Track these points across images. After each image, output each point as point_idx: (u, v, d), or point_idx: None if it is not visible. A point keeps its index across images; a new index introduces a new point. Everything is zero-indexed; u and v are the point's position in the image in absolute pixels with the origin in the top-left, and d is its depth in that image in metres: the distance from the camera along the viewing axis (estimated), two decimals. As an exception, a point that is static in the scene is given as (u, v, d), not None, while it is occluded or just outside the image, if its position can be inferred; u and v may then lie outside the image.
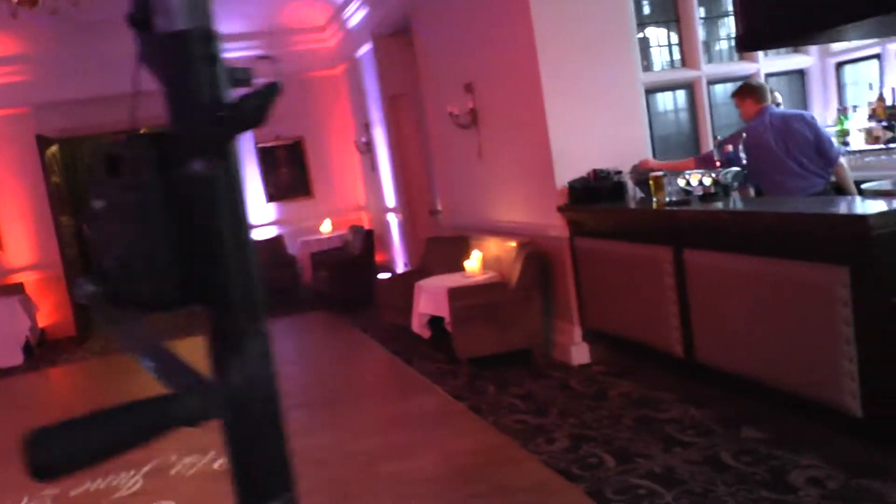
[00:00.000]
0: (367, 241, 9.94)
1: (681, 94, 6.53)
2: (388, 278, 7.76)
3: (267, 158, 11.64)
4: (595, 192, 5.52)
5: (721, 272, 4.20)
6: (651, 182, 5.01)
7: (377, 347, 7.42)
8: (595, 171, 5.61)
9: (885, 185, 4.00)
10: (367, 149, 10.70)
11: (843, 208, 3.75)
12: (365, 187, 11.55)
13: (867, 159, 6.04)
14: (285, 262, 11.09)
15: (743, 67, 6.89)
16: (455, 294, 6.18)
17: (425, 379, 6.09)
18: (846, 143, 6.40)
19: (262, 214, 11.67)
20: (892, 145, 6.02)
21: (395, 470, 4.49)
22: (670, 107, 6.57)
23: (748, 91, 5.45)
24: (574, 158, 5.68)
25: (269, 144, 11.59)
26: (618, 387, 5.22)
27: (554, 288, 6.05)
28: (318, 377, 6.92)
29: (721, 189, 4.69)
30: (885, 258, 3.24)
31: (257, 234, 11.55)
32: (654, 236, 4.79)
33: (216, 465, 4.75)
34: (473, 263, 6.66)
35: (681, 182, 4.78)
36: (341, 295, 9.38)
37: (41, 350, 10.22)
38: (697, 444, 4.13)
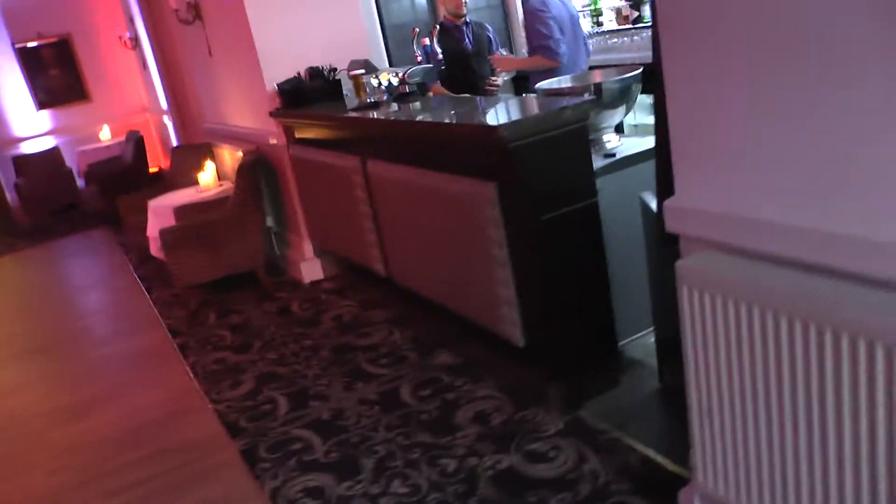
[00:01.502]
0: (139, 149, 9.03)
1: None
2: (131, 195, 6.98)
3: (31, 61, 10.34)
4: (306, 93, 4.90)
5: (396, 185, 3.73)
6: (352, 82, 4.45)
7: (128, 274, 6.73)
8: (309, 70, 4.98)
9: (566, 81, 3.53)
10: (136, 44, 9.59)
11: (484, 116, 3.26)
12: (145, 88, 10.46)
13: (613, 41, 5.63)
14: (61, 175, 10.04)
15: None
16: (181, 213, 5.55)
17: (155, 312, 5.51)
18: (599, 24, 5.97)
19: (34, 124, 10.46)
20: (638, 25, 5.62)
21: (66, 433, 3.97)
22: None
23: None
24: (286, 56, 5.02)
25: (32, 44, 10.27)
26: (336, 307, 4.80)
27: (284, 202, 5.50)
28: (47, 318, 6.23)
29: (418, 88, 4.17)
30: (529, 173, 2.78)
31: (30, 147, 10.40)
32: (346, 145, 4.26)
33: None
34: (207, 176, 6.00)
35: (374, 82, 4.22)
36: (111, 210, 8.50)
37: None
38: (384, 376, 3.77)
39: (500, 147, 2.72)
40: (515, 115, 2.96)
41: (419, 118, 3.48)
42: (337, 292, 5.08)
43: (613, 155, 3.06)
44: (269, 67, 5.04)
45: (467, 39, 5.43)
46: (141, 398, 4.22)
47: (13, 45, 10.20)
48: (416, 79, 4.06)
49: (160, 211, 5.80)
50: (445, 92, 5.28)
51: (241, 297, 5.32)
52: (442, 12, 5.50)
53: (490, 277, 3.09)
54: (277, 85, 4.97)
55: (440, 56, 4.35)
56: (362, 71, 4.42)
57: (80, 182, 10.02)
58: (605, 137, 3.13)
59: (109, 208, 8.00)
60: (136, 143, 9.13)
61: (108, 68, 10.59)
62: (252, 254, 5.19)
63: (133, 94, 10.69)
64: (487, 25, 5.65)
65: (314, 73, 4.98)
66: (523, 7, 4.57)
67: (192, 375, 4.30)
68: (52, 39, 10.35)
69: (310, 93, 4.91)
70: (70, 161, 10.32)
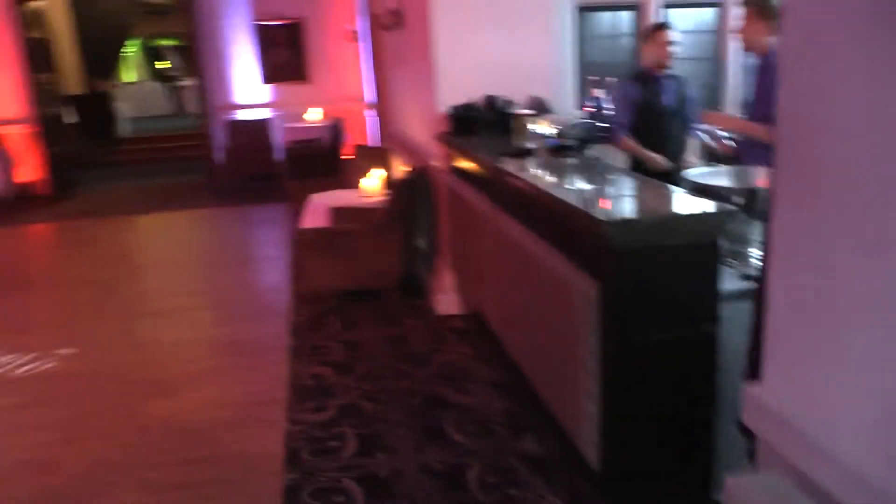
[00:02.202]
0: (336, 136, 9.25)
1: (625, 16, 5.43)
2: (295, 182, 7.11)
3: (264, 37, 10.94)
4: (474, 122, 4.66)
5: (511, 241, 3.40)
6: (513, 122, 4.14)
7: (284, 258, 6.85)
8: (485, 98, 4.74)
9: (725, 176, 2.97)
10: (357, 38, 9.85)
11: (596, 202, 2.79)
12: (358, 80, 10.74)
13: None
14: (265, 146, 10.55)
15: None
16: (335, 214, 5.53)
17: (287, 303, 5.52)
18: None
19: (257, 94, 11.07)
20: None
21: (144, 410, 4.02)
22: (610, 30, 5.49)
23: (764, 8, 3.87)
24: (466, 79, 4.81)
25: (268, 22, 10.86)
26: (450, 351, 4.51)
27: (438, 225, 5.30)
28: (187, 280, 6.46)
29: (579, 143, 3.78)
30: (638, 282, 2.35)
31: (246, 115, 11.03)
32: (484, 185, 3.97)
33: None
34: (372, 182, 5.93)
35: (532, 128, 3.89)
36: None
37: (16, 204, 10.15)
38: (461, 447, 3.44)
39: (606, 246, 2.31)
40: (632, 211, 2.52)
41: (539, 180, 3.10)
42: (460, 333, 4.80)
43: (756, 280, 2.52)
44: (446, 88, 4.84)
45: (667, 94, 4.96)
46: (227, 392, 4.19)
47: (253, 21, 10.84)
48: (576, 133, 3.67)
49: (317, 207, 5.82)
50: (635, 147, 4.84)
51: (370, 313, 5.18)
52: (645, 59, 5.06)
53: (574, 381, 2.67)
54: (449, 108, 4.76)
55: (615, 110, 3.93)
56: (529, 112, 4.11)
57: (279, 155, 10.46)
58: (752, 254, 2.58)
59: (298, 185, 8.23)
60: (335, 129, 9.36)
61: (330, 55, 10.98)
62: (386, 272, 5.04)
63: (346, 84, 11.01)
64: (689, 81, 5.13)
65: (489, 102, 4.74)
66: (763, 62, 3.93)
67: (285, 384, 4.20)
68: (287, 21, 10.87)
69: (478, 122, 4.66)
70: (276, 134, 10.83)
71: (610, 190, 2.76)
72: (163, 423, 3.87)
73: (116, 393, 4.29)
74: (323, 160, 8.88)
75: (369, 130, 9.70)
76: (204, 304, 5.82)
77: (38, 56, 10.24)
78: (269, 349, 4.73)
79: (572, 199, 2.61)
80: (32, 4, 10.34)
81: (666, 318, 2.34)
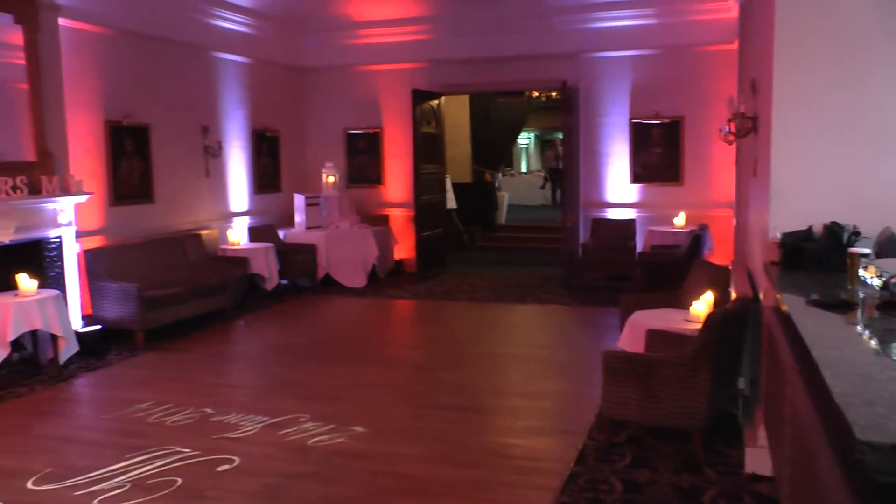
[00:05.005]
0: (695, 244, 8.65)
1: None
2: (633, 296, 6.65)
3: (640, 136, 10.80)
4: (808, 254, 3.92)
5: (800, 425, 2.66)
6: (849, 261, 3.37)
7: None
8: (828, 226, 3.99)
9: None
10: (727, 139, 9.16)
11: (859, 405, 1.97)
12: (727, 183, 10.00)
13: None
14: (625, 247, 10.30)
15: None
16: (652, 338, 5.07)
17: (584, 422, 5.16)
18: None
19: (624, 193, 10.94)
20: None
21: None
22: None
23: None
24: (806, 199, 4.13)
25: (646, 121, 10.71)
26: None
27: (760, 366, 4.55)
28: (498, 387, 6.36)
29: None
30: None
31: (611, 213, 10.95)
32: (792, 338, 3.23)
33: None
34: (700, 307, 5.33)
35: (862, 273, 3.11)
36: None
37: (387, 279, 11.24)
38: None
39: (864, 474, 1.63)
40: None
41: (820, 347, 2.37)
42: (764, 500, 4.00)
43: None
44: (781, 208, 4.18)
45: None
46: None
47: (630, 119, 10.79)
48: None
49: (636, 325, 5.40)
50: None
51: (667, 453, 4.60)
52: None
53: None
54: (781, 234, 4.08)
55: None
56: (865, 251, 3.31)
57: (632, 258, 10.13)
58: None
59: (634, 298, 7.83)
60: (697, 237, 8.77)
61: (709, 156, 10.43)
62: (690, 412, 4.41)
63: (717, 188, 10.35)
64: None
65: (829, 231, 3.96)
66: None
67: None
68: (665, 120, 10.61)
69: (810, 255, 3.91)
70: (638, 236, 10.53)
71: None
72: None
73: (387, 481, 4.33)
74: (675, 270, 8.34)
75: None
76: (504, 406, 5.71)
77: (427, 148, 11.32)
78: (545, 472, 4.41)
79: (840, 389, 1.94)
80: (432, 102, 11.50)
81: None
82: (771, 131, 4.17)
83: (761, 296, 4.39)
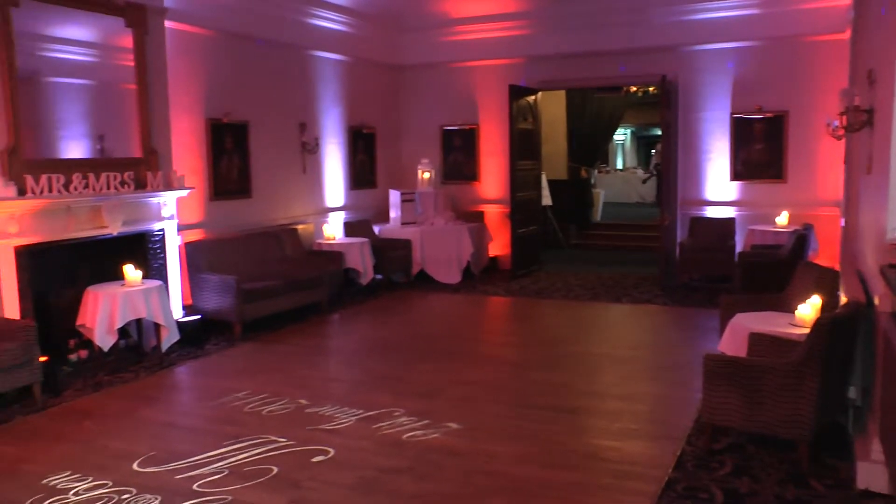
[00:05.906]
0: (799, 245, 8.29)
1: None
2: (733, 297, 6.40)
3: (742, 131, 10.42)
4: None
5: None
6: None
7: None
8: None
9: None
10: (836, 133, 8.71)
11: None
12: (837, 180, 9.52)
13: None
14: (725, 247, 9.96)
15: None
16: (755, 342, 4.88)
17: (683, 427, 5.00)
18: None
19: (724, 191, 10.59)
20: None
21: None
22: None
23: None
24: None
25: (748, 116, 10.33)
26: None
27: (874, 376, 4.31)
28: (594, 388, 6.23)
29: None
30: None
31: (710, 212, 10.63)
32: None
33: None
34: (806, 311, 5.09)
35: None
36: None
37: (481, 276, 11.23)
38: None
39: None
40: None
41: None
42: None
43: None
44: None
45: None
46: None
47: (731, 114, 10.43)
48: None
49: (737, 328, 5.21)
50: None
51: (772, 463, 4.39)
52: None
53: None
54: (898, 235, 3.85)
55: None
56: None
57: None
58: None
59: (731, 300, 7.54)
60: (801, 238, 8.40)
61: (815, 153, 9.98)
62: (796, 420, 4.21)
63: (824, 186, 9.89)
64: None
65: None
66: None
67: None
68: (768, 114, 10.21)
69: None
70: (738, 236, 10.17)
71: None
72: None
73: (482, 480, 4.31)
74: (777, 272, 8.00)
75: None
76: (600, 408, 5.58)
77: (523, 145, 11.23)
78: (642, 477, 4.29)
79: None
80: (529, 98, 11.41)
81: None
82: (892, 125, 3.92)
83: (876, 301, 4.14)
